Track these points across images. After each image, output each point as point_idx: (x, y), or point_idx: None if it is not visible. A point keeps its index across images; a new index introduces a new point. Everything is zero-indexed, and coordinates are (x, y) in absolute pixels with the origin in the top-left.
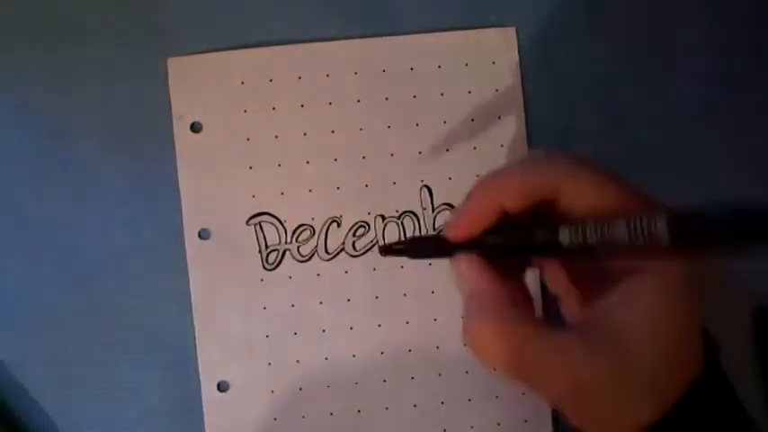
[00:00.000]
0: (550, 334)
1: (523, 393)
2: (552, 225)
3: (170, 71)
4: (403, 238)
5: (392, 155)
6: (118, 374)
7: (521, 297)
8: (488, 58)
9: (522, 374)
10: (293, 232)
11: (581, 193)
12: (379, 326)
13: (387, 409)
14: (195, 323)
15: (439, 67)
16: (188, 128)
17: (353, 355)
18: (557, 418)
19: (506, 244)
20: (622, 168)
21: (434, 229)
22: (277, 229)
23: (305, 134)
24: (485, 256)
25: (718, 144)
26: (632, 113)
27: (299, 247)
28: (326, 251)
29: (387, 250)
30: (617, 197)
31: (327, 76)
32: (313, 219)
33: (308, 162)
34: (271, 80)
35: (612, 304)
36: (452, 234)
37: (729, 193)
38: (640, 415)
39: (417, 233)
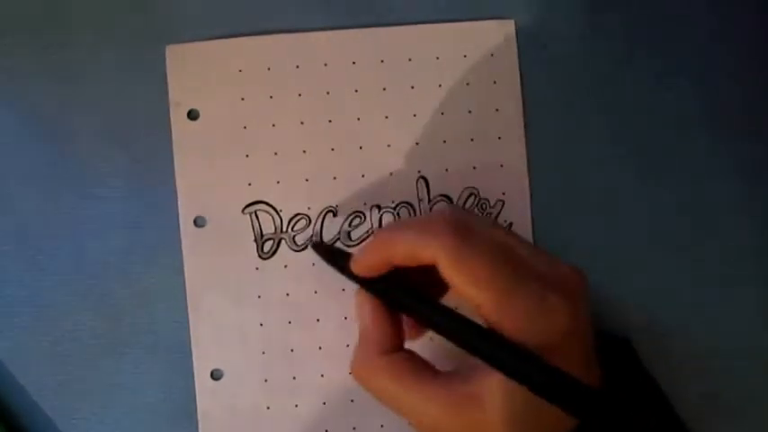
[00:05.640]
0: (416, 380)
1: None
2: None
3: (168, 58)
4: (333, 245)
5: (389, 145)
6: (118, 374)
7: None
8: (487, 50)
9: (391, 407)
10: (289, 221)
11: (455, 272)
12: None
13: None
14: (189, 311)
15: (437, 58)
16: (185, 115)
17: (347, 345)
18: None
19: (388, 294)
20: (622, 167)
21: None
22: (273, 218)
23: (302, 123)
24: (381, 295)
25: (718, 144)
26: (631, 110)
27: (294, 237)
28: (322, 241)
29: (317, 247)
30: (488, 286)
31: (325, 65)
32: (309, 208)
33: (304, 151)
34: (269, 69)
35: (476, 367)
36: (356, 270)
37: (730, 193)
38: None
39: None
